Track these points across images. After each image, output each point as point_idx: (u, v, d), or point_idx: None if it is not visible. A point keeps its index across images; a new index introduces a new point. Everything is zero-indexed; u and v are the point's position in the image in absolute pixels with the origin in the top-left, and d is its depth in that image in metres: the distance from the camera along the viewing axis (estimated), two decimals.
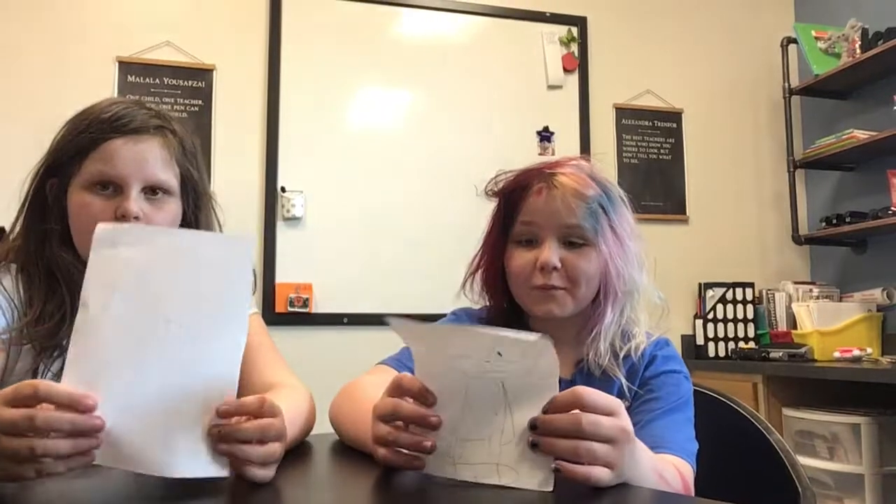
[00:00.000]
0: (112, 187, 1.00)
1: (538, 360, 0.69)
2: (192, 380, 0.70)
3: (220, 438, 0.70)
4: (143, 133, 1.02)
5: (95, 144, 1.00)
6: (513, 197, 1.04)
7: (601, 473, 0.69)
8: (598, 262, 1.00)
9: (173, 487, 0.70)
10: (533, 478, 0.70)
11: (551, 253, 0.98)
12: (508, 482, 0.71)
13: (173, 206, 1.05)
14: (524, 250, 1.02)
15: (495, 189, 1.07)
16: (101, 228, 0.71)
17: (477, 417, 0.73)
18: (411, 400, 0.74)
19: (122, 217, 0.99)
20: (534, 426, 0.70)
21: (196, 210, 1.09)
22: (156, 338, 0.70)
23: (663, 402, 0.97)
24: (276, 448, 0.74)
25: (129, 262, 0.70)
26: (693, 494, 0.86)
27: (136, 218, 0.99)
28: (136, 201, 1.00)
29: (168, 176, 1.04)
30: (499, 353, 0.70)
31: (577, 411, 0.69)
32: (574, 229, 0.99)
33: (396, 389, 0.76)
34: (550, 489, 0.69)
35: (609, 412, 0.71)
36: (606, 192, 1.03)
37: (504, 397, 0.72)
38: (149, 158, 1.02)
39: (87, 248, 1.00)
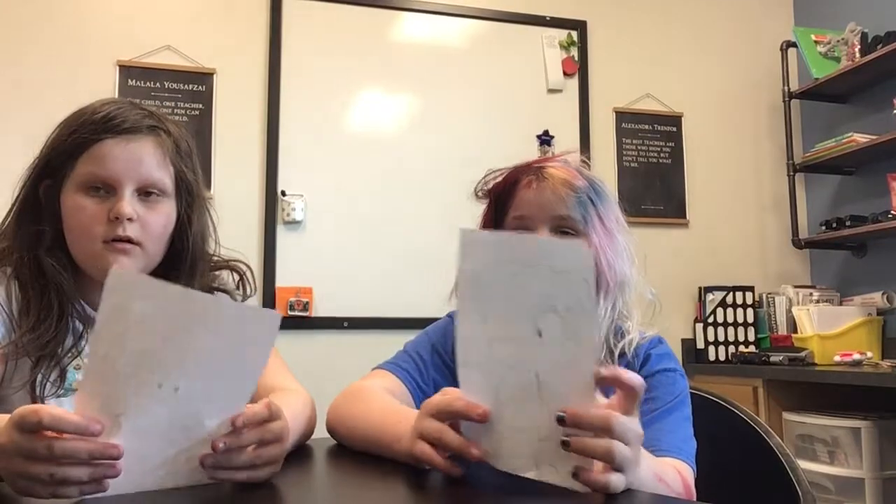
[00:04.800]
0: (105, 189, 0.99)
1: (578, 333, 0.67)
2: (198, 421, 0.70)
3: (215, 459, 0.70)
4: (136, 133, 1.00)
5: (87, 145, 0.98)
6: (503, 194, 1.05)
7: (618, 481, 0.67)
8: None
9: (172, 492, 0.70)
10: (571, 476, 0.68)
11: None
12: (549, 479, 0.69)
13: (167, 208, 1.03)
14: None
15: (485, 189, 1.08)
16: (114, 276, 0.64)
17: (512, 412, 0.71)
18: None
19: (115, 219, 0.97)
20: (561, 419, 0.67)
21: (189, 211, 1.07)
22: (159, 402, 0.67)
23: (659, 402, 0.96)
24: (272, 451, 0.74)
25: (142, 318, 0.65)
26: (694, 496, 0.86)
27: (130, 219, 0.98)
28: (129, 202, 0.98)
29: (162, 175, 1.02)
30: (538, 334, 0.67)
31: (607, 411, 0.68)
32: (566, 220, 1.00)
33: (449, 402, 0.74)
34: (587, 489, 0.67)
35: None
36: (593, 185, 1.04)
37: (538, 391, 0.69)
38: (142, 158, 1.00)
39: (81, 251, 1.00)
